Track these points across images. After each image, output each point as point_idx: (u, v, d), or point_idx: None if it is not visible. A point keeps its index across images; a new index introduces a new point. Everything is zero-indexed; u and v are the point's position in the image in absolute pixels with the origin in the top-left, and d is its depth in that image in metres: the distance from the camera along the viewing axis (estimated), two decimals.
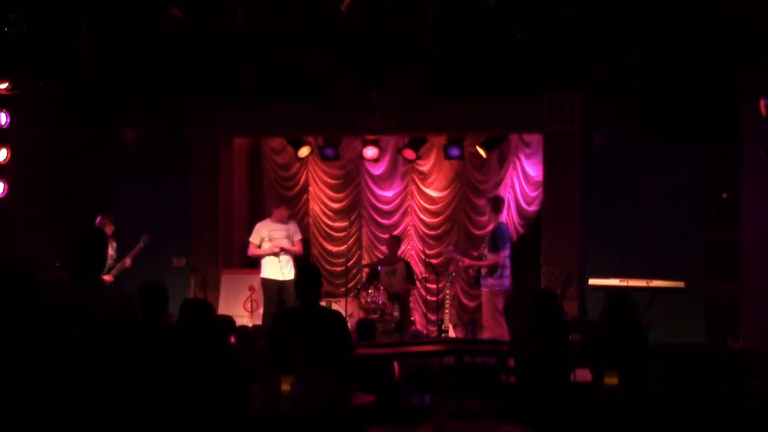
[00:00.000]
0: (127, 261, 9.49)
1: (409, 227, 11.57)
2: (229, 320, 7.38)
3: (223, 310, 9.93)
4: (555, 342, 6.21)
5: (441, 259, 11.10)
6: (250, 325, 9.40)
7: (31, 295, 3.95)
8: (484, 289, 9.14)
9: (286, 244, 9.52)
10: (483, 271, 9.08)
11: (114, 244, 9.44)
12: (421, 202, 11.45)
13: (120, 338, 4.03)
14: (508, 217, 10.79)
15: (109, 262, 9.28)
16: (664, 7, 8.43)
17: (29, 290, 3.95)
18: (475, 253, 9.47)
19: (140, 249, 9.53)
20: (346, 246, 10.85)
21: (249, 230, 11.62)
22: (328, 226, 11.67)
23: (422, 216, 11.45)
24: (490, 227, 9.59)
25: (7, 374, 3.83)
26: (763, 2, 8.31)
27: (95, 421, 3.89)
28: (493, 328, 9.04)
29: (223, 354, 5.15)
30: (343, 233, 11.17)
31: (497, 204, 9.41)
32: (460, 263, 9.80)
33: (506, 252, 9.04)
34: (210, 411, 4.78)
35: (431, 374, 7.43)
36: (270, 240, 9.56)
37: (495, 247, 8.98)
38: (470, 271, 9.62)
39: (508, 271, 9.08)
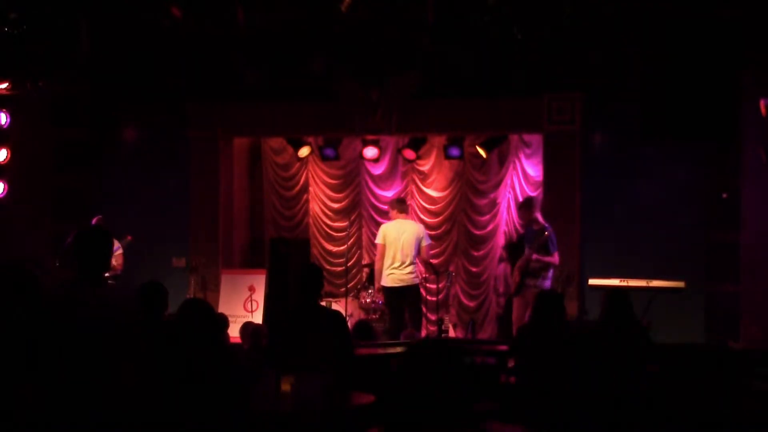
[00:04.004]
0: (119, 259, 9.47)
1: None
2: (222, 318, 7.38)
3: (223, 310, 9.90)
4: (555, 342, 6.20)
5: (441, 259, 11.10)
6: (256, 324, 9.41)
7: (33, 294, 3.95)
8: (533, 290, 9.05)
9: None
10: (540, 273, 9.01)
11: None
12: (421, 202, 11.44)
13: (121, 338, 4.02)
14: (508, 217, 10.80)
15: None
16: (664, 6, 8.43)
17: (31, 290, 3.96)
18: (477, 254, 9.50)
19: (122, 248, 9.51)
20: (346, 246, 10.85)
21: (249, 230, 11.69)
22: (328, 226, 11.66)
23: (422, 216, 11.44)
24: (491, 227, 9.59)
25: (9, 374, 3.83)
26: (763, 2, 8.31)
27: (96, 421, 3.89)
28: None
29: (223, 354, 5.15)
30: (343, 233, 11.17)
31: (537, 203, 9.39)
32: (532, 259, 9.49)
33: None
34: (210, 411, 4.77)
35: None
36: None
37: (554, 247, 8.90)
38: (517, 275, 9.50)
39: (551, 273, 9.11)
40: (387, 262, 9.13)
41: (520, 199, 10.73)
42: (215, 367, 4.89)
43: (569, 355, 6.22)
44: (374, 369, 6.65)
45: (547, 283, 9.02)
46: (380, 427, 4.52)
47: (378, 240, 9.31)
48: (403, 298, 9.11)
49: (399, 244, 9.11)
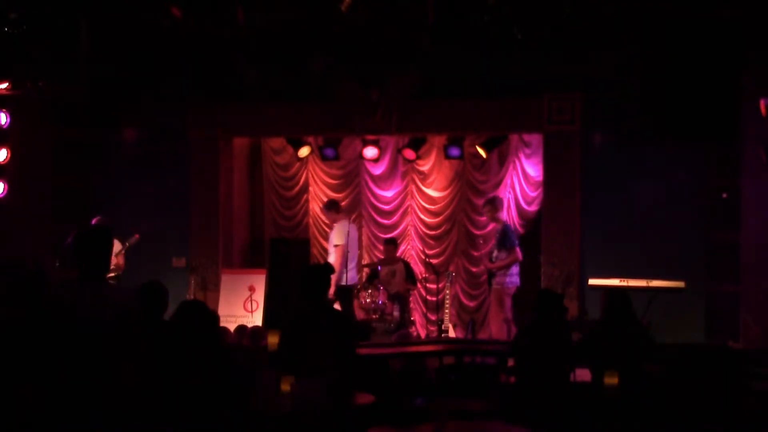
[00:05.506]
0: (120, 260, 9.47)
1: (409, 227, 11.56)
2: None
3: (223, 310, 9.95)
4: (555, 342, 6.21)
5: (441, 259, 11.11)
6: (250, 325, 9.42)
7: (34, 294, 3.96)
8: (496, 287, 9.18)
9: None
10: (500, 270, 9.17)
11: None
12: (421, 202, 11.44)
13: (121, 338, 4.02)
14: (508, 217, 10.78)
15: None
16: (664, 6, 8.42)
17: (36, 290, 3.96)
18: (476, 254, 9.56)
19: (127, 248, 9.50)
20: None
21: (249, 230, 11.68)
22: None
23: (422, 216, 11.45)
24: (491, 227, 9.63)
25: (9, 374, 3.83)
26: (763, 2, 8.30)
27: (96, 421, 3.88)
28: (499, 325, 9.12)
29: (222, 354, 5.15)
30: None
31: (501, 204, 9.72)
32: (489, 268, 9.64)
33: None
34: (209, 411, 4.78)
35: (424, 374, 7.44)
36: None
37: (512, 244, 9.17)
38: (483, 272, 9.66)
39: (518, 269, 9.30)
40: (352, 262, 9.66)
41: (521, 199, 10.76)
42: (214, 367, 4.89)
43: (568, 353, 6.23)
44: (374, 369, 6.66)
45: (510, 279, 9.15)
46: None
47: (341, 241, 9.63)
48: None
49: (355, 244, 9.88)
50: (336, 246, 9.64)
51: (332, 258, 9.62)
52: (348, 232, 9.64)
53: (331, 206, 10.10)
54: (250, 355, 6.90)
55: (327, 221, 10.24)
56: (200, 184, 10.63)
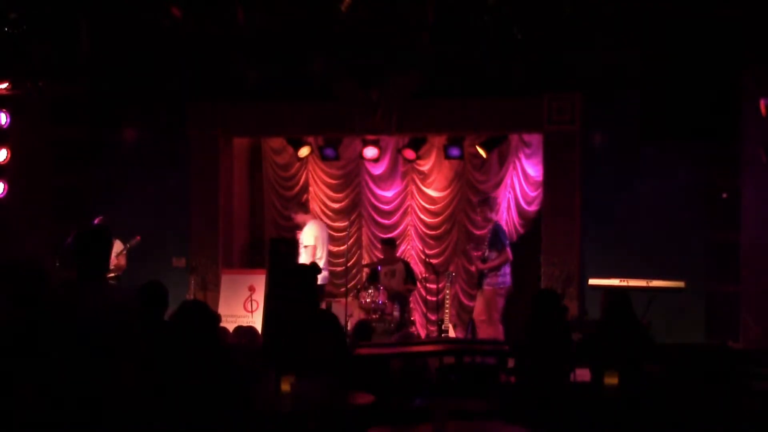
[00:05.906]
0: (121, 260, 9.48)
1: (409, 227, 11.57)
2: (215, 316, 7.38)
3: (223, 310, 9.95)
4: (555, 342, 6.21)
5: (441, 259, 11.10)
6: (247, 326, 9.41)
7: (38, 294, 3.96)
8: (487, 288, 9.19)
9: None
10: (491, 271, 9.20)
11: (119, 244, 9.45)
12: (421, 202, 11.44)
13: (121, 338, 4.02)
14: (508, 217, 10.80)
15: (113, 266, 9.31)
16: (664, 6, 8.43)
17: (36, 290, 3.97)
18: (476, 253, 9.58)
19: (129, 249, 9.51)
20: (346, 246, 10.84)
21: (249, 230, 11.68)
22: (328, 226, 11.64)
23: (422, 216, 11.45)
24: (489, 227, 9.66)
25: (9, 374, 3.83)
26: (763, 2, 8.31)
27: (96, 421, 3.89)
28: (487, 328, 9.12)
29: (222, 354, 5.15)
30: (343, 233, 11.16)
31: (496, 204, 9.78)
32: (474, 268, 9.81)
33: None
34: (209, 411, 4.78)
35: (424, 374, 7.43)
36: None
37: (503, 244, 9.16)
38: (475, 273, 9.72)
39: (509, 269, 9.23)
40: (321, 262, 9.60)
41: (521, 199, 10.75)
42: (214, 367, 4.89)
43: (568, 353, 6.23)
44: (374, 369, 6.66)
45: (502, 279, 9.17)
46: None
47: (311, 242, 9.70)
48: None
49: (325, 243, 9.88)
50: (306, 247, 9.67)
51: (304, 259, 9.61)
52: (315, 234, 9.71)
53: (299, 207, 10.21)
54: (250, 355, 6.89)
55: (297, 222, 10.19)
56: (200, 184, 10.63)
